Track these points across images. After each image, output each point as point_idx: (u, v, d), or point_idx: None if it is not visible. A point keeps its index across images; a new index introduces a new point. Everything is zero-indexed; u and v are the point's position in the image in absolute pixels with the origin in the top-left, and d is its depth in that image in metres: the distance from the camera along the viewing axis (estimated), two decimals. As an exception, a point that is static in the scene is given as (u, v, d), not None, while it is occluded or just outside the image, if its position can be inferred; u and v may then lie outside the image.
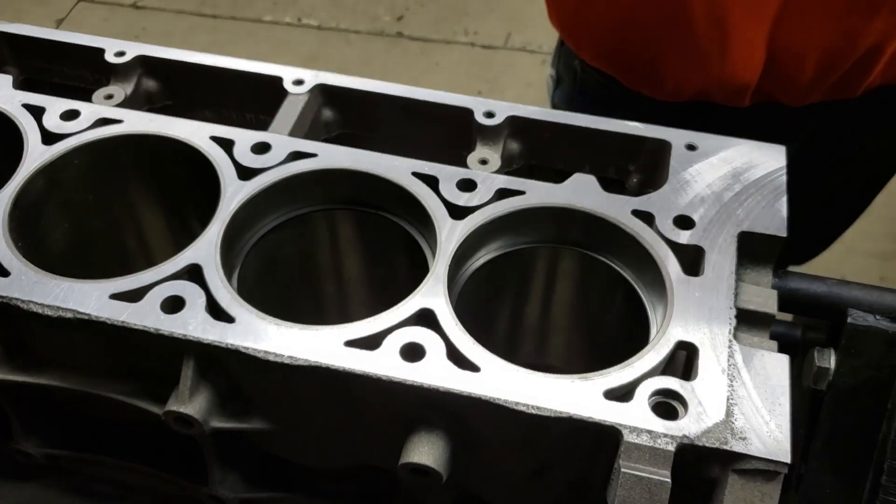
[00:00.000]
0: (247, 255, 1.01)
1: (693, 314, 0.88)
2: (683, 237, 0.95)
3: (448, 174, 1.00)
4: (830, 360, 0.97)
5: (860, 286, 1.00)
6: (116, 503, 1.10)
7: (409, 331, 0.86)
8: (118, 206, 1.14)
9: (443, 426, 0.85)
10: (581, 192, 0.99)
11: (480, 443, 0.86)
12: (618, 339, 1.04)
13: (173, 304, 0.89)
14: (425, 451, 0.84)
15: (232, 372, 0.89)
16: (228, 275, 0.98)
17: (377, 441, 0.90)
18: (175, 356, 0.88)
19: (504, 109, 1.09)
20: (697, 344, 0.85)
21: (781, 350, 0.89)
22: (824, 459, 0.98)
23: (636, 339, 0.93)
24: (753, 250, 0.96)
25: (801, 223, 1.01)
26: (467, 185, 0.99)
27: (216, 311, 0.89)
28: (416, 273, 0.93)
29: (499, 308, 1.11)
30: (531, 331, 1.14)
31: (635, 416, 0.79)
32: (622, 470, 0.76)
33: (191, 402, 0.88)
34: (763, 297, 0.92)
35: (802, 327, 1.12)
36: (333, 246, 1.11)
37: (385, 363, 0.83)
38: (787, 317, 1.14)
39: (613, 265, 0.98)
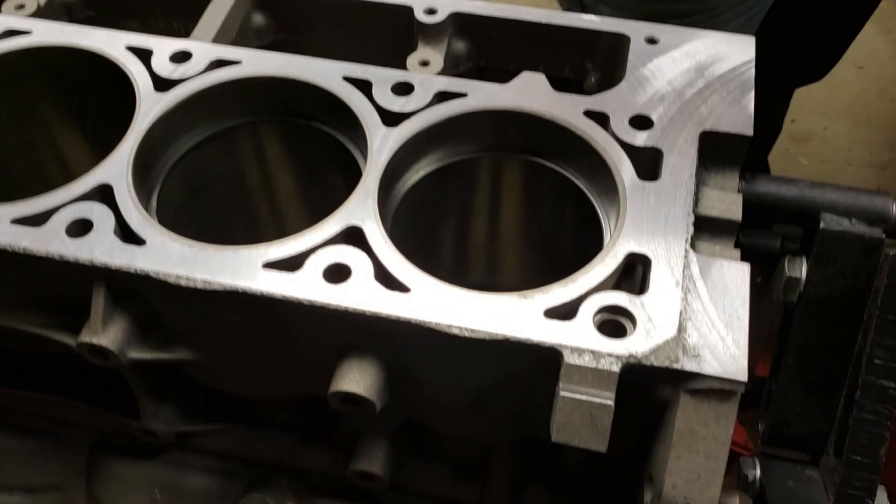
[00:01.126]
0: (168, 175, 0.93)
1: (647, 223, 0.80)
2: (640, 139, 0.86)
3: (382, 77, 0.91)
4: (801, 270, 0.89)
5: (834, 188, 0.91)
6: (49, 439, 1.05)
7: (334, 250, 0.78)
8: (33, 124, 1.06)
9: (375, 352, 0.78)
10: (528, 92, 0.90)
11: (415, 369, 0.79)
12: (573, 253, 0.96)
13: (80, 228, 0.81)
14: (355, 379, 0.77)
15: (147, 299, 0.82)
16: (146, 196, 0.90)
17: (309, 369, 0.84)
18: (85, 284, 0.81)
19: (447, 5, 0.99)
20: (650, 255, 0.78)
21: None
22: (795, 375, 0.91)
23: (592, 252, 0.85)
24: (717, 151, 0.88)
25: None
26: (403, 89, 0.90)
27: (127, 234, 0.82)
28: (352, 188, 0.85)
29: (443, 227, 1.02)
30: (480, 250, 1.06)
31: (578, 335, 0.72)
32: (561, 393, 0.69)
33: (104, 333, 0.81)
34: (726, 203, 0.84)
35: (781, 237, 1.04)
36: (263, 162, 1.02)
37: (307, 286, 0.76)
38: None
39: (564, 172, 0.90)
